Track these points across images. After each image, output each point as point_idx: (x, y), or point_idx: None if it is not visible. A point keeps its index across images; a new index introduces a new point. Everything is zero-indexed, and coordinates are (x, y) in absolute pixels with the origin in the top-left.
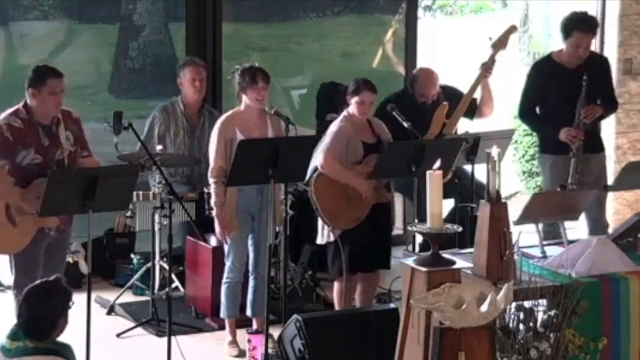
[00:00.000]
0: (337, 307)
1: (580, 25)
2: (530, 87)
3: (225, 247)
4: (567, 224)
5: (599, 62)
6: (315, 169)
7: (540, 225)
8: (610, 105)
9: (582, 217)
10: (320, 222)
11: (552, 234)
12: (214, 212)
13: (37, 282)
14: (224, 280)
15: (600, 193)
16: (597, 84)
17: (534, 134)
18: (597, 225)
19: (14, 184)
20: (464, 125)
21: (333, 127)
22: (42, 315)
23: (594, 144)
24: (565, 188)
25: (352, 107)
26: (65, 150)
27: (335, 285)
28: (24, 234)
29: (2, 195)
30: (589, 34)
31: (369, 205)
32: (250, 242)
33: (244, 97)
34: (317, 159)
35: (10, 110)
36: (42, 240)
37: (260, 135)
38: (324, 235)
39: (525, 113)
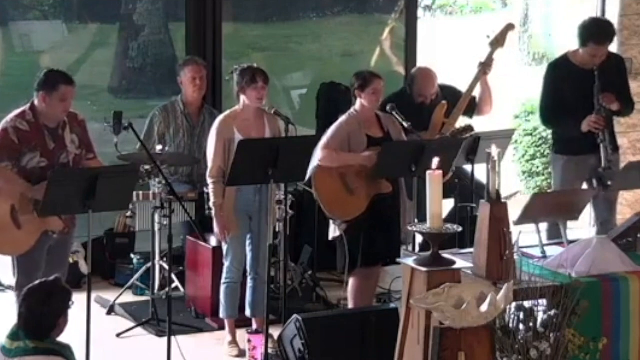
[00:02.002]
0: (350, 304)
1: (596, 38)
2: (549, 89)
3: (224, 248)
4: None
5: (615, 61)
6: (315, 167)
7: (545, 225)
8: (626, 102)
9: (582, 216)
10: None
11: (556, 234)
12: (212, 213)
13: (37, 282)
14: (222, 280)
15: (610, 195)
16: (612, 82)
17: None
18: (606, 227)
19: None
20: (466, 121)
21: (336, 122)
22: (42, 315)
23: (610, 141)
24: (601, 180)
25: (364, 100)
26: (70, 153)
27: (350, 281)
28: (28, 236)
29: (9, 197)
30: (606, 45)
31: (370, 196)
32: (248, 242)
33: (243, 97)
34: (316, 155)
35: (16, 112)
36: (45, 242)
37: (258, 136)
38: (334, 230)
39: (548, 117)
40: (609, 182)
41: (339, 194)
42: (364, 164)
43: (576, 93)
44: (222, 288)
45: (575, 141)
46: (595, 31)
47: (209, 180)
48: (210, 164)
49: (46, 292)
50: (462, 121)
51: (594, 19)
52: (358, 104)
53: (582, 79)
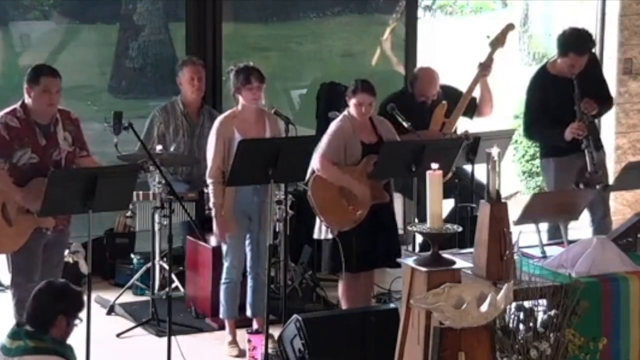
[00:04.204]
0: (343, 306)
1: (576, 48)
2: (531, 101)
3: (224, 248)
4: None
5: (589, 60)
6: (313, 171)
7: (545, 225)
8: (604, 101)
9: (582, 216)
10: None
11: (557, 234)
12: (212, 213)
13: (60, 280)
14: (222, 280)
15: (603, 193)
16: (591, 86)
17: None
18: (602, 223)
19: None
20: (464, 125)
21: (331, 128)
22: (42, 307)
23: (593, 143)
24: (587, 185)
25: (351, 108)
26: (63, 150)
27: (340, 284)
28: (20, 234)
29: (0, 195)
30: (585, 55)
31: (367, 206)
32: (247, 242)
33: (239, 98)
34: (314, 161)
35: (7, 109)
36: (40, 239)
37: (257, 136)
38: (321, 231)
39: (533, 131)
40: (603, 184)
41: (337, 205)
42: (356, 190)
43: (558, 103)
44: (222, 288)
45: (562, 143)
46: (576, 41)
47: (209, 181)
48: (209, 164)
49: (59, 288)
50: (461, 122)
51: (574, 29)
52: (351, 108)
53: (563, 89)
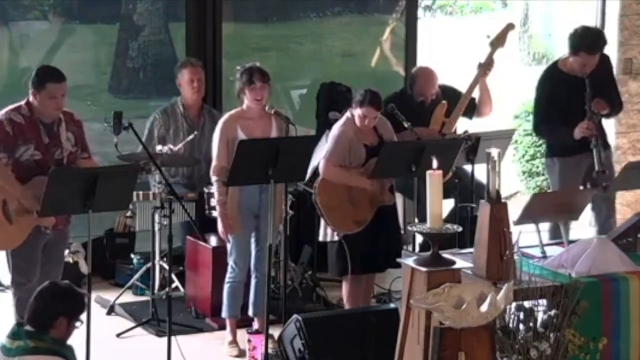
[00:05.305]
0: (346, 306)
1: (588, 48)
2: (541, 97)
3: (228, 246)
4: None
5: (603, 63)
6: (316, 172)
7: (547, 225)
8: (615, 103)
9: (582, 216)
10: (323, 220)
11: (558, 234)
12: (217, 211)
13: (64, 281)
14: (226, 279)
15: (609, 194)
16: (602, 86)
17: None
18: (607, 224)
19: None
20: (464, 125)
21: (334, 131)
22: (43, 308)
23: (601, 142)
24: (595, 184)
25: (355, 116)
26: (65, 150)
27: (344, 285)
28: (19, 231)
29: (0, 192)
30: (597, 54)
31: (374, 209)
32: (253, 239)
33: (245, 98)
34: (319, 164)
35: (12, 106)
36: (40, 238)
37: (262, 135)
38: (326, 233)
39: (543, 128)
40: (604, 184)
41: (343, 208)
42: (363, 184)
43: (568, 100)
44: (225, 287)
45: (568, 143)
46: (587, 41)
47: (213, 179)
48: (214, 162)
49: (62, 289)
50: (460, 122)
51: (585, 28)
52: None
53: (574, 87)
